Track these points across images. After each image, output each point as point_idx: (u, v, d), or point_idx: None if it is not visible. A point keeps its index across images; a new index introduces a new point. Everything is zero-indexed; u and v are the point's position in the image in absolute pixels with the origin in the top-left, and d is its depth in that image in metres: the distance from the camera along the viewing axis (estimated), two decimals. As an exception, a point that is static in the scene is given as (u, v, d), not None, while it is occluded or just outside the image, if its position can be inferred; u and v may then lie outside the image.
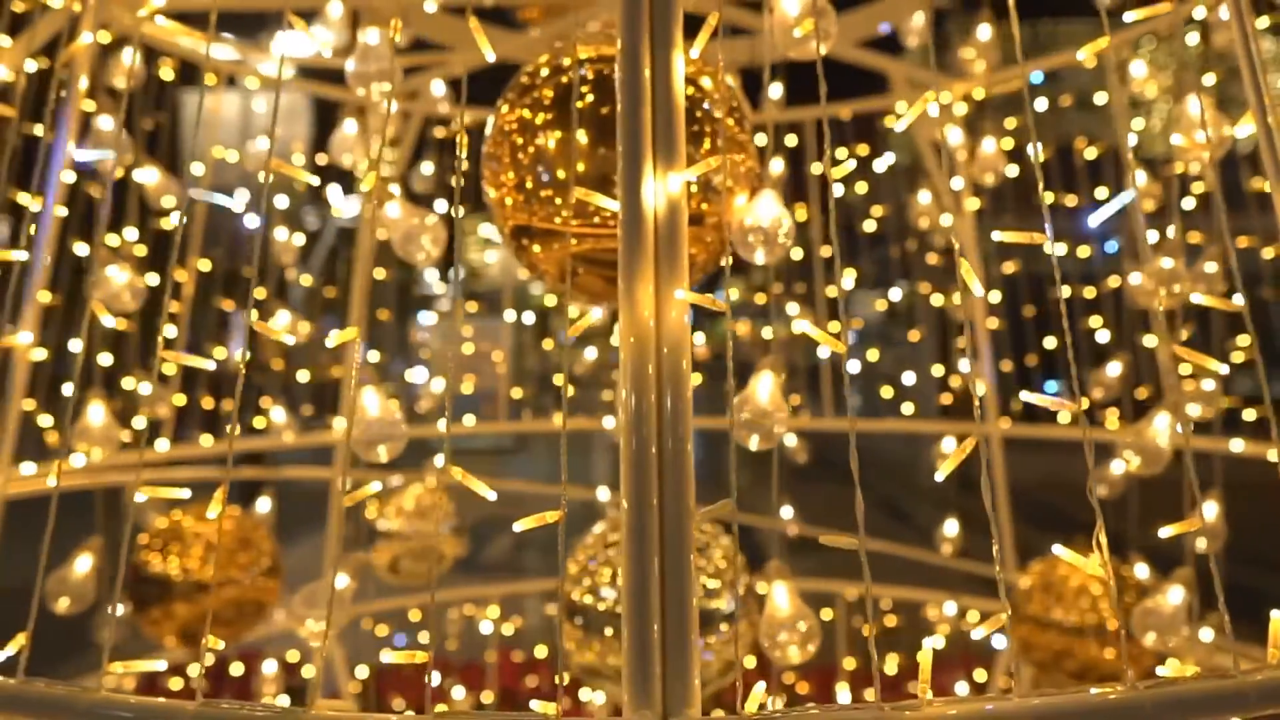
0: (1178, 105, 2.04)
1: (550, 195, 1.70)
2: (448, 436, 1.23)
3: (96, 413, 2.33)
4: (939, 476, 1.22)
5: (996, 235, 1.34)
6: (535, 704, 1.13)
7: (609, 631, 2.40)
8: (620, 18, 1.30)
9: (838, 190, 4.53)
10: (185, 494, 1.34)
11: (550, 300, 5.21)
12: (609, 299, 1.88)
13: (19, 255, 1.47)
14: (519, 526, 1.22)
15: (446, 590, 4.80)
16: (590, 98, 1.68)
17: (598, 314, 1.53)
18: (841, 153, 4.51)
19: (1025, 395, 1.25)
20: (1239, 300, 1.66)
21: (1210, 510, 2.74)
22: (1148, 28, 3.16)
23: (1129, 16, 1.51)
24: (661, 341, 1.21)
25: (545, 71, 1.77)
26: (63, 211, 2.22)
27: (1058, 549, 1.30)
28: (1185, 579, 2.28)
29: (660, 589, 1.15)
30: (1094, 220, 1.38)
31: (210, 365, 1.30)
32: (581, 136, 1.66)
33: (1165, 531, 1.29)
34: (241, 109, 4.72)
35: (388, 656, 1.20)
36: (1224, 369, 1.39)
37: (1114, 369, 3.39)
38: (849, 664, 4.95)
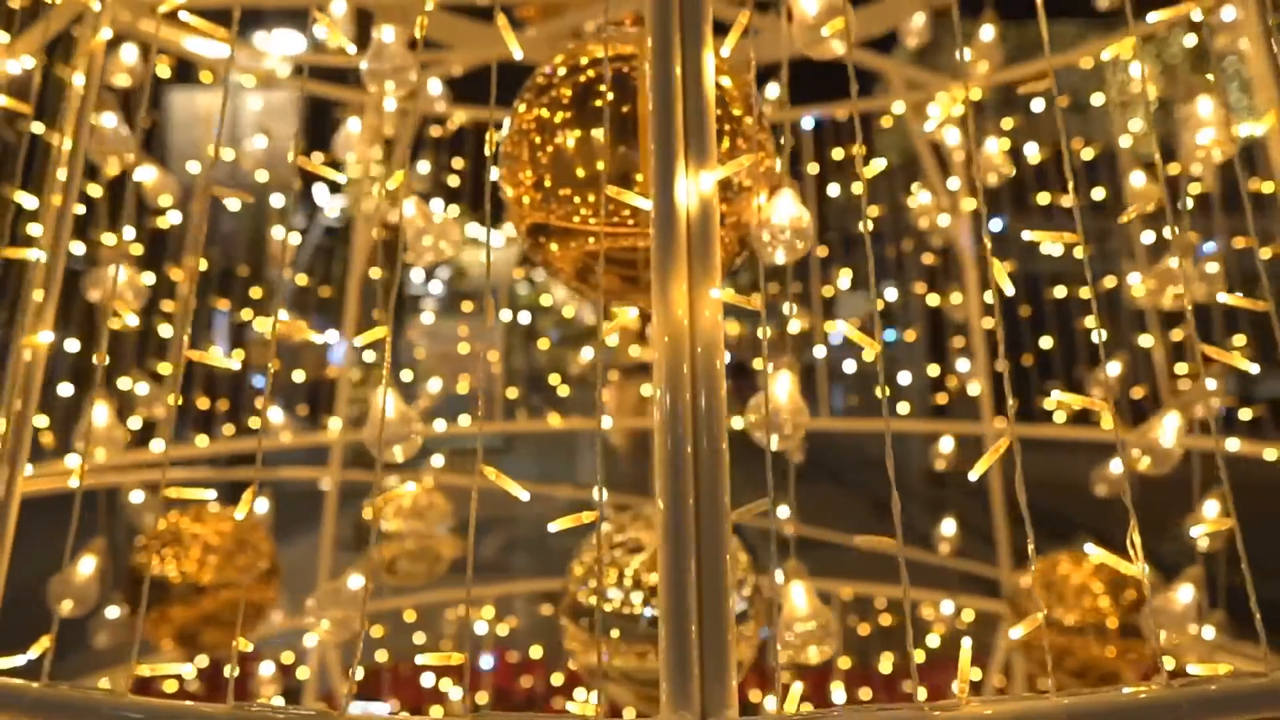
0: (1186, 106, 2.05)
1: (569, 194, 1.69)
2: (480, 435, 1.22)
3: (100, 413, 2.31)
4: (973, 475, 1.22)
5: (1027, 235, 1.33)
6: (572, 706, 1.12)
7: (615, 633, 2.40)
8: (651, 16, 1.29)
9: (833, 190, 4.55)
10: (211, 494, 1.32)
11: (546, 300, 5.20)
12: (625, 297, 1.88)
13: (36, 255, 1.45)
14: (554, 527, 1.21)
15: (441, 591, 4.78)
16: (609, 96, 1.67)
17: (634, 313, 1.52)
18: (838, 153, 4.53)
19: (1056, 394, 1.25)
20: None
21: (1214, 509, 2.76)
22: (1147, 29, 3.18)
23: (1153, 16, 1.52)
24: (696, 340, 1.21)
25: (563, 71, 1.76)
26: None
27: (1089, 548, 1.31)
28: (1195, 577, 2.29)
29: (697, 589, 1.14)
30: (1124, 218, 1.38)
31: (235, 365, 1.29)
32: (602, 135, 1.65)
33: (1197, 530, 1.29)
34: (230, 107, 4.68)
35: (423, 659, 1.19)
36: (1254, 368, 1.39)
37: (1113, 369, 3.41)
38: (844, 663, 4.96)
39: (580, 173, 1.68)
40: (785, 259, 1.59)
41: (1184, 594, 2.16)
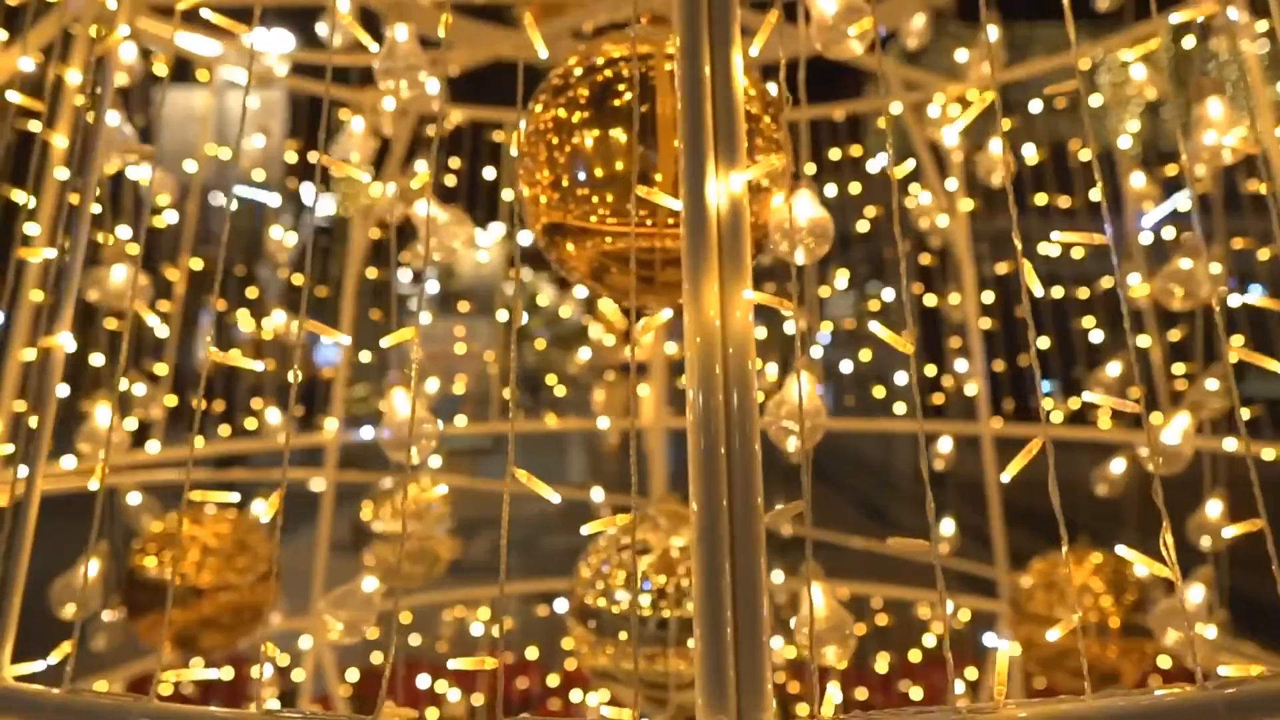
0: (1196, 106, 2.05)
1: (587, 193, 1.68)
2: (513, 432, 1.20)
3: (103, 414, 2.29)
4: (1005, 477, 1.22)
5: (1055, 235, 1.33)
6: (607, 711, 1.11)
7: (623, 635, 2.40)
8: (679, 16, 1.28)
9: (830, 190, 4.55)
10: (235, 497, 1.31)
11: (544, 299, 5.19)
12: (641, 298, 1.87)
13: (50, 254, 1.43)
14: (586, 530, 1.21)
15: (439, 592, 4.77)
16: (629, 95, 1.67)
17: (668, 314, 1.51)
18: (834, 154, 4.54)
19: (1087, 395, 1.25)
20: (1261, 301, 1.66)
21: (1216, 508, 2.77)
22: (1148, 30, 3.19)
23: (1175, 18, 1.52)
24: (727, 341, 1.20)
25: (579, 71, 1.76)
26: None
27: (1121, 549, 1.30)
28: (1205, 578, 2.30)
29: (731, 591, 1.14)
30: (1147, 221, 1.38)
31: (259, 367, 1.27)
32: (621, 135, 1.65)
33: (1228, 531, 1.29)
34: (225, 105, 4.65)
35: (455, 664, 1.17)
36: (1284, 369, 1.39)
37: (1113, 369, 3.43)
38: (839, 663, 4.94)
39: (599, 172, 1.67)
40: (805, 260, 1.59)
41: (1194, 594, 2.17)
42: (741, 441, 1.18)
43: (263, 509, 3.57)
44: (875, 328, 1.22)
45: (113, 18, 2.74)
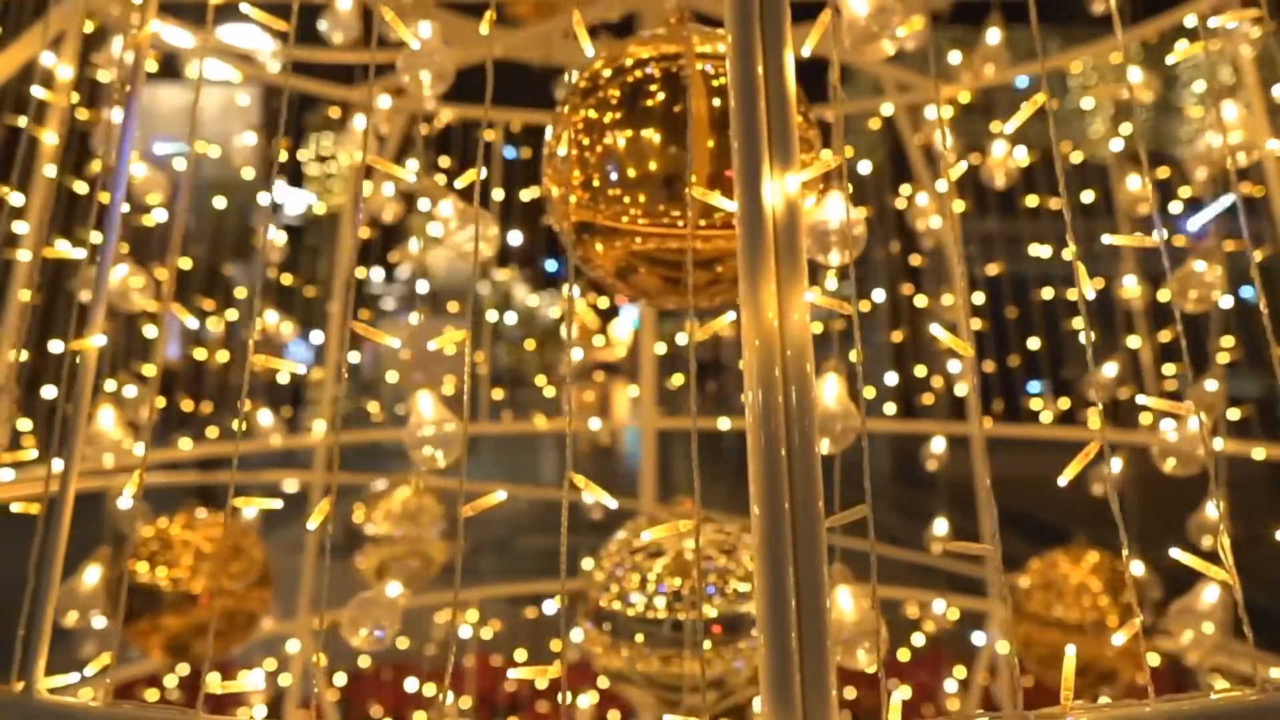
0: (1215, 108, 2.07)
1: (619, 194, 1.67)
2: (571, 436, 1.19)
3: (106, 417, 2.25)
4: (1062, 481, 1.22)
5: (1107, 239, 1.33)
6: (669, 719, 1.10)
7: (639, 638, 2.38)
8: (732, 15, 1.27)
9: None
10: (278, 504, 1.28)
11: (533, 301, 5.16)
12: (665, 299, 1.86)
13: (77, 253, 1.40)
14: (647, 535, 1.19)
15: (431, 594, 4.72)
16: (661, 96, 1.66)
17: (732, 316, 1.49)
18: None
19: (1141, 398, 1.24)
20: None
21: (1215, 509, 2.80)
22: (1147, 34, 3.23)
23: (1215, 22, 1.52)
24: (786, 344, 1.19)
25: (608, 72, 1.74)
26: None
27: (1175, 552, 1.31)
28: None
29: (795, 594, 1.12)
30: (1193, 225, 1.39)
31: (301, 369, 1.25)
32: (653, 135, 1.64)
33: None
34: (209, 104, 4.58)
35: (514, 673, 1.15)
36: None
37: (1110, 369, 3.45)
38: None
39: (630, 173, 1.66)
40: (838, 262, 1.58)
41: (1209, 594, 2.18)
42: (801, 443, 1.17)
43: (254, 512, 3.52)
44: (936, 330, 1.21)
45: (107, 14, 2.69)
